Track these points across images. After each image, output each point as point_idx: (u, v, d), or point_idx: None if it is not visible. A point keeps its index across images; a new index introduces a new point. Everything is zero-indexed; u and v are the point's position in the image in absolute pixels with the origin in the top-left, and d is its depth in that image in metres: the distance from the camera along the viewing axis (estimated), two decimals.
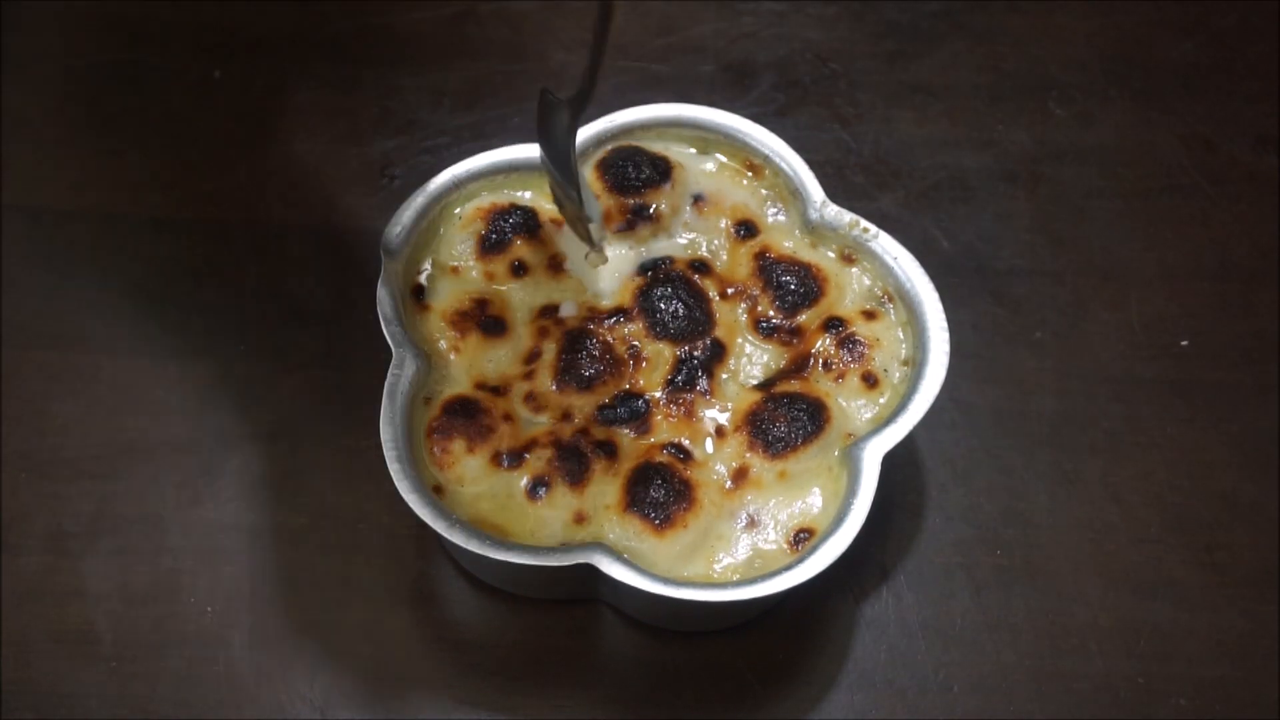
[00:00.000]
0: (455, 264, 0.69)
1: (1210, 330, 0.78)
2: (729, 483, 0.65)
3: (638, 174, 0.70)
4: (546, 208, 0.71)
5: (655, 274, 0.69)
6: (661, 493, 0.63)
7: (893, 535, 0.72)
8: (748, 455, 0.65)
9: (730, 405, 0.67)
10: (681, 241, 0.71)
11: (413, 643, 0.69)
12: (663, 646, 0.69)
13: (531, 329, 0.68)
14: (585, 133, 0.71)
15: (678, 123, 0.72)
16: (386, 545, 0.71)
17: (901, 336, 0.68)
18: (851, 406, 0.67)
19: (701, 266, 0.70)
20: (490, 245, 0.70)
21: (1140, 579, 0.71)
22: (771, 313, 0.68)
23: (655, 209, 0.70)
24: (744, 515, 0.64)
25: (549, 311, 0.69)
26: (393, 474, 0.63)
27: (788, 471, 0.65)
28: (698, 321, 0.68)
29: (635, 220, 0.70)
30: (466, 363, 0.67)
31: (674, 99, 0.72)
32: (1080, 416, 0.75)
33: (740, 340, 0.68)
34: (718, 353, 0.68)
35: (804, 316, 0.68)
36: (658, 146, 0.72)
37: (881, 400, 0.67)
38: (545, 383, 0.67)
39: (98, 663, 0.68)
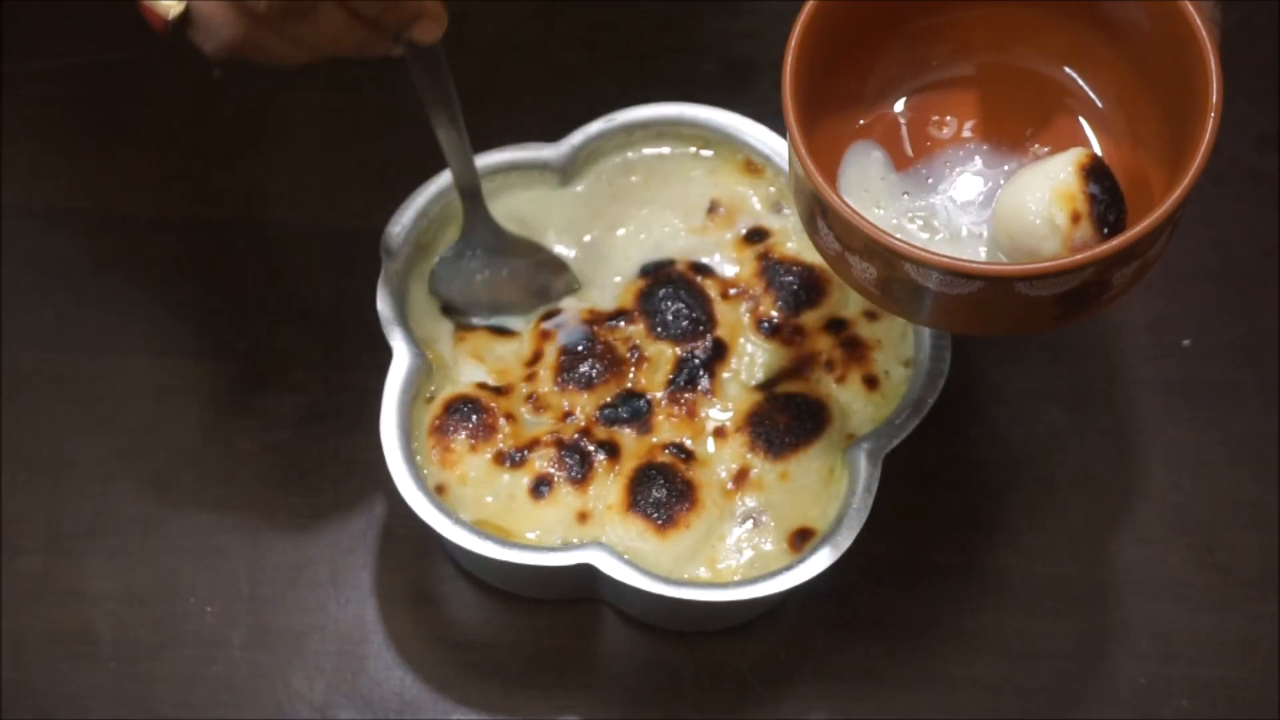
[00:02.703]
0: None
1: (1211, 330, 0.78)
2: (730, 483, 0.65)
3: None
4: None
5: (657, 276, 0.69)
6: (663, 493, 0.63)
7: (893, 535, 0.72)
8: (749, 455, 0.65)
9: (732, 405, 0.67)
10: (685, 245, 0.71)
11: (413, 643, 0.69)
12: (663, 646, 0.69)
13: (534, 332, 0.69)
14: (584, 133, 0.71)
15: (678, 122, 0.72)
16: (386, 545, 0.71)
17: (902, 337, 0.68)
18: (852, 407, 0.67)
19: (704, 268, 0.70)
20: None
21: (1140, 579, 0.71)
22: (774, 313, 0.68)
23: None
24: (745, 515, 0.64)
25: (551, 315, 0.69)
26: (393, 474, 0.63)
27: (789, 472, 0.65)
28: (698, 321, 0.68)
29: None
30: (469, 363, 0.68)
31: (674, 99, 0.72)
32: (1081, 417, 0.75)
33: (742, 340, 0.68)
34: (719, 352, 0.67)
35: (806, 316, 0.68)
36: (656, 144, 0.72)
37: (882, 401, 0.67)
38: (547, 384, 0.67)
39: (98, 663, 0.68)
